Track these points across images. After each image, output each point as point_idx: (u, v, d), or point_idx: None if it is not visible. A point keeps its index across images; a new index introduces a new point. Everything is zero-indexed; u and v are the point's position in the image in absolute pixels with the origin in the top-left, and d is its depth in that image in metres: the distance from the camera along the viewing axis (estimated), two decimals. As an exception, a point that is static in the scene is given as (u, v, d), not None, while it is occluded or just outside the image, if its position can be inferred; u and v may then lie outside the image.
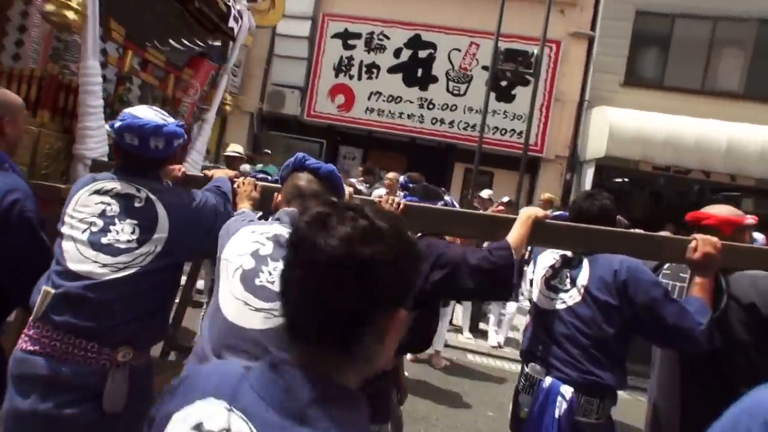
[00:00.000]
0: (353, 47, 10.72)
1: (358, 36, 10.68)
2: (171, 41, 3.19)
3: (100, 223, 1.53)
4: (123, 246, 1.51)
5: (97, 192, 1.58)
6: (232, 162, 5.91)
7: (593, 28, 9.67)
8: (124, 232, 1.53)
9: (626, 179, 9.47)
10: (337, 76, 10.78)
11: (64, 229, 1.55)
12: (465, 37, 10.02)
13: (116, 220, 1.54)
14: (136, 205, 1.58)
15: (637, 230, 2.39)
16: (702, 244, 1.74)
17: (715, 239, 1.76)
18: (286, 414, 0.65)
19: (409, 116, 10.38)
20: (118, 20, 2.60)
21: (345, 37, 10.74)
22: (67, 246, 1.51)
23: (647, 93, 9.10)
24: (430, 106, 10.26)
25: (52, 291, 1.45)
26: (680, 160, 8.42)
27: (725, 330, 1.74)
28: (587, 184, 9.07)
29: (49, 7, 2.04)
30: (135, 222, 1.55)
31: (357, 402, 0.70)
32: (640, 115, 8.69)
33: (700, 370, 1.81)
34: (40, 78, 2.29)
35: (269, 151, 10.16)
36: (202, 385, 0.72)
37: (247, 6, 3.61)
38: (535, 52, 7.28)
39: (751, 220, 1.99)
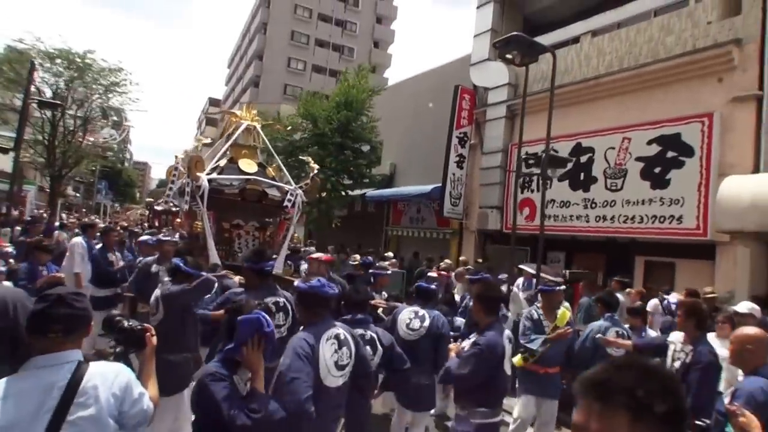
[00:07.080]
0: (532, 165, 12.63)
1: (534, 155, 12.58)
2: (264, 219, 7.23)
3: None
4: None
5: None
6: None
7: (761, 86, 8.54)
8: None
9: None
10: (522, 192, 12.78)
11: None
12: (617, 135, 10.49)
13: None
14: None
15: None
16: None
17: None
18: None
19: (577, 218, 11.18)
20: (230, 220, 6.85)
21: (525, 158, 12.82)
22: None
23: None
24: (593, 206, 10.82)
25: None
26: None
27: None
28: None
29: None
30: None
31: None
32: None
33: None
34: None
35: (480, 260, 12.97)
36: None
37: (301, 190, 7.30)
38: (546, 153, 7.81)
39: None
